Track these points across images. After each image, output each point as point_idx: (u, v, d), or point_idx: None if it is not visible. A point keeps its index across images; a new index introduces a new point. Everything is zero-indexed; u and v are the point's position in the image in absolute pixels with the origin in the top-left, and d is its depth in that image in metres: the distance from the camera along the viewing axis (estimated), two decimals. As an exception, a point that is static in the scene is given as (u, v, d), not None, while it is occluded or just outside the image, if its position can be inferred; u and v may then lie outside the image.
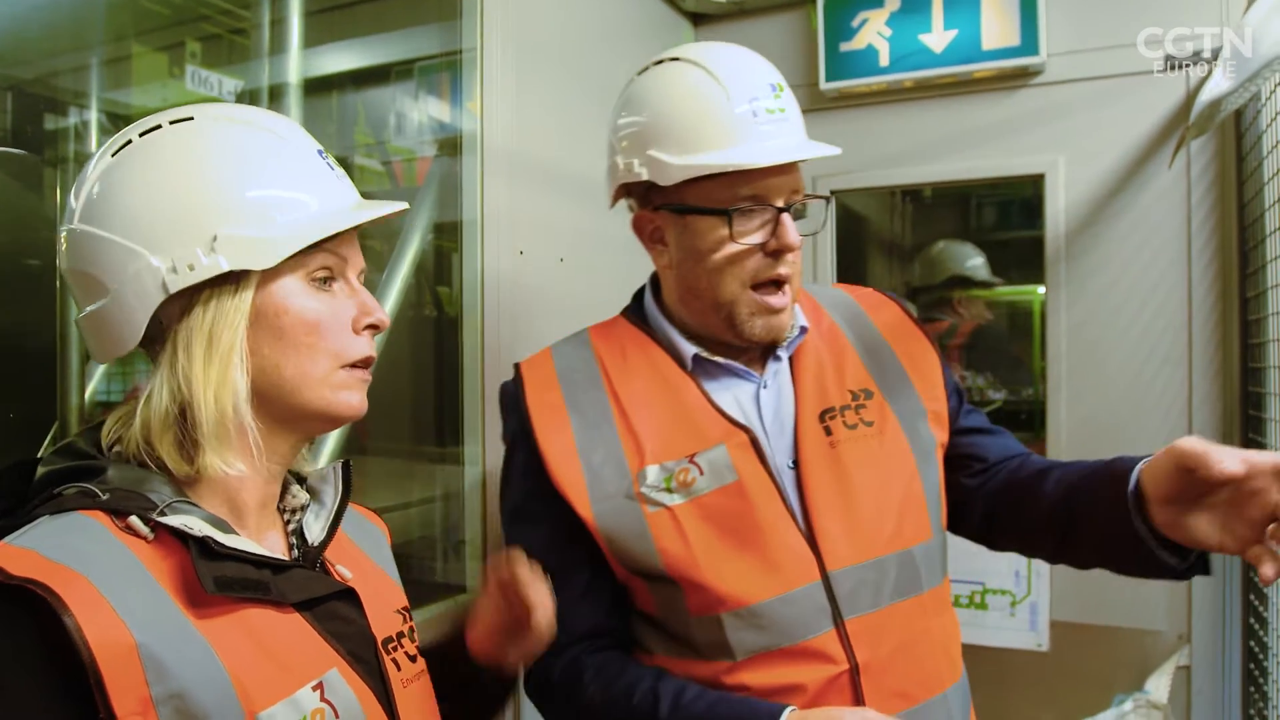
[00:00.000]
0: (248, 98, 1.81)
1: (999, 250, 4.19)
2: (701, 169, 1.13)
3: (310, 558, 0.90)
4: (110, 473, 0.80)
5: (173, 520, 0.76)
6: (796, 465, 1.16)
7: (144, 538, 0.75)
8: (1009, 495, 1.21)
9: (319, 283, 0.86)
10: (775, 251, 1.14)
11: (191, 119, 0.83)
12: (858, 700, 1.09)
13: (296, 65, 1.80)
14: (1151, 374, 2.14)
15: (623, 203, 1.29)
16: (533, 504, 1.20)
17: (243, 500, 0.86)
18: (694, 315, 1.22)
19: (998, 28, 2.21)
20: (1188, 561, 1.02)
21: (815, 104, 2.47)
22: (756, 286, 1.16)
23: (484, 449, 1.79)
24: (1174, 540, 0.99)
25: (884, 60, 2.34)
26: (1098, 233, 2.19)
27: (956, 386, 1.30)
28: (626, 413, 1.18)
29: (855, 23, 2.37)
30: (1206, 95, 1.36)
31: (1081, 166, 2.19)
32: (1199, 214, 2.10)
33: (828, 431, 1.17)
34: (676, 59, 1.21)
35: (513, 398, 1.24)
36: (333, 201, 0.86)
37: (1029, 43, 2.18)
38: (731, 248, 1.14)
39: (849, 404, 1.19)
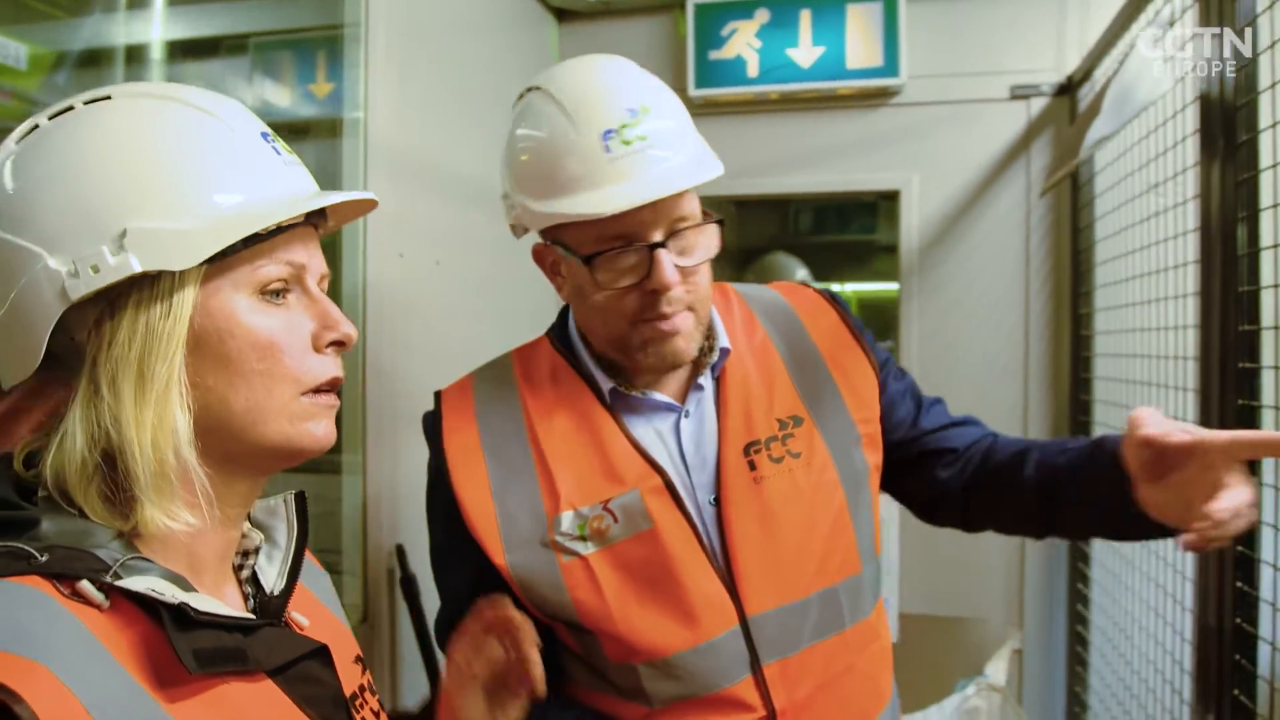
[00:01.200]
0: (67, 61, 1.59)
1: (816, 252, 4.42)
2: (555, 218, 1.04)
3: (271, 610, 0.78)
4: (45, 525, 0.65)
5: (134, 584, 0.63)
6: (718, 503, 1.10)
7: (98, 607, 0.62)
8: (987, 482, 1.18)
9: (271, 296, 0.72)
10: (654, 291, 1.05)
11: (108, 97, 0.69)
12: None
13: (137, 27, 1.60)
14: (992, 383, 2.31)
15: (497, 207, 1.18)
16: (453, 544, 1.13)
17: (201, 554, 0.73)
18: (598, 345, 1.15)
19: (862, 48, 2.31)
20: None
21: (682, 109, 2.47)
22: (646, 319, 1.07)
23: (365, 462, 1.67)
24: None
25: (752, 71, 2.38)
26: (947, 248, 2.33)
27: (911, 389, 1.26)
28: (544, 454, 1.11)
29: (725, 32, 2.39)
30: (1095, 134, 1.47)
31: (934, 185, 2.33)
32: (1036, 236, 2.29)
33: (752, 466, 1.11)
34: (536, 88, 1.09)
35: (431, 432, 1.17)
36: (277, 190, 0.73)
37: (890, 64, 2.29)
38: (604, 292, 1.06)
39: (775, 435, 1.13)
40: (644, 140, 1.02)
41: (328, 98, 1.84)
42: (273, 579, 0.80)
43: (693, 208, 1.07)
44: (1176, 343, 1.59)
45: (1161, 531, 1.01)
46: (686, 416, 1.14)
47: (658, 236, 1.04)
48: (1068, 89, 2.23)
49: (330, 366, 0.76)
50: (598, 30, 2.54)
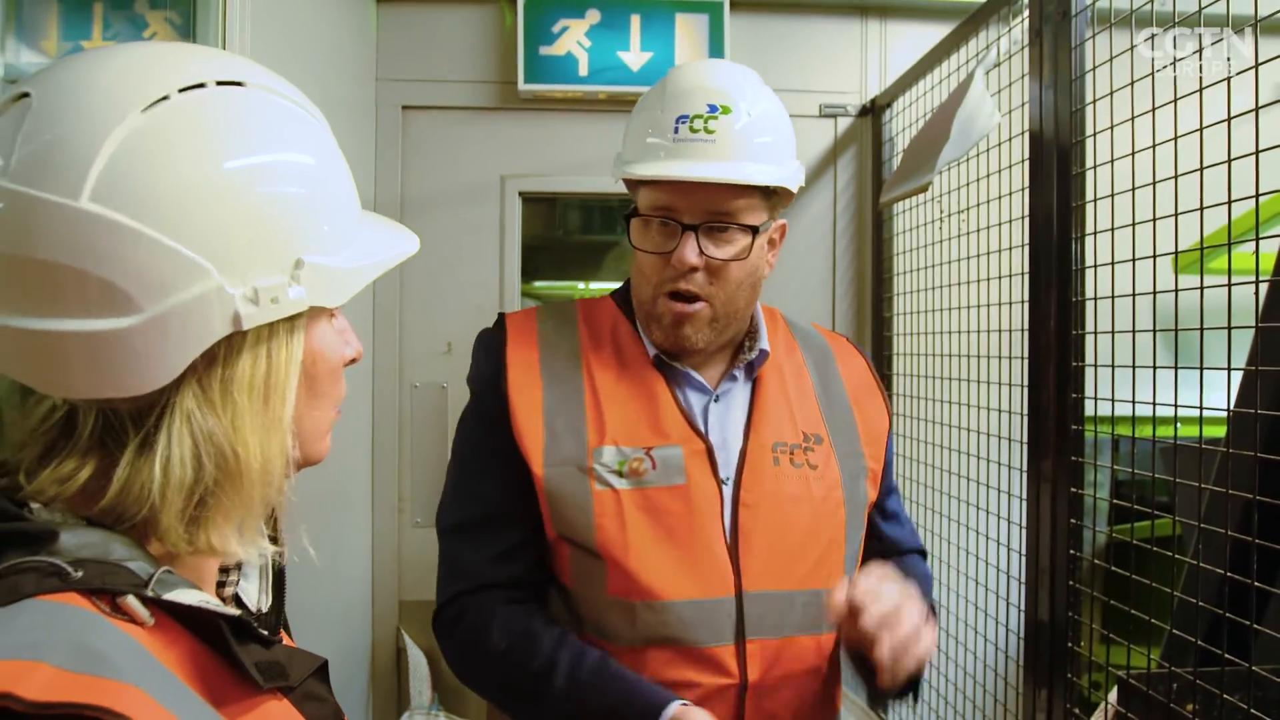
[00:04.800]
0: None
1: (582, 252, 4.53)
2: (621, 173, 1.21)
3: (267, 627, 0.73)
4: (65, 538, 0.58)
5: (183, 597, 0.59)
6: (737, 484, 1.18)
7: (142, 623, 0.57)
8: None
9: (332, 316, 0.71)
10: (676, 266, 1.16)
11: (243, 84, 0.62)
12: (738, 713, 1.15)
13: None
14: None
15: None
16: (487, 452, 1.20)
17: (204, 569, 0.68)
18: (637, 307, 1.25)
19: (689, 57, 2.40)
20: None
21: (510, 103, 2.46)
22: (672, 294, 1.18)
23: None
24: None
25: (583, 70, 2.40)
26: (763, 252, 2.49)
27: (892, 460, 1.37)
28: (597, 392, 1.20)
29: (556, 29, 2.39)
30: (945, 158, 1.65)
31: (752, 193, 2.47)
32: (842, 242, 2.50)
33: (775, 462, 1.20)
34: (675, 68, 1.25)
35: (493, 345, 1.24)
36: (360, 216, 0.71)
37: (716, 75, 2.39)
38: (642, 253, 1.20)
39: (800, 443, 1.23)
40: (710, 134, 1.15)
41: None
42: (254, 595, 0.77)
43: (740, 209, 1.16)
44: (984, 344, 1.82)
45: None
46: (716, 400, 1.23)
47: (694, 220, 1.15)
48: (870, 111, 2.46)
49: (344, 384, 0.76)
50: (417, 13, 2.45)
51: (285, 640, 0.76)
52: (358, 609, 2.40)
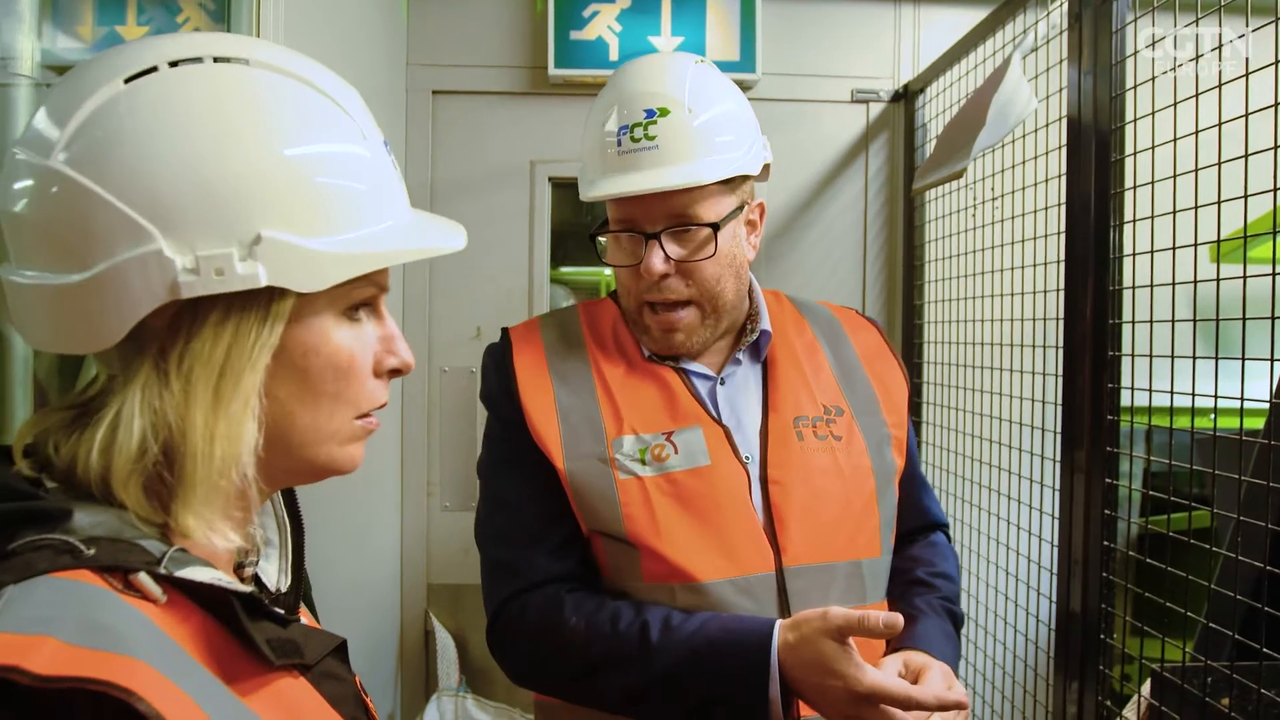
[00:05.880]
0: None
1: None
2: (582, 193, 1.18)
3: (284, 607, 0.73)
4: (79, 517, 0.58)
5: (195, 574, 0.59)
6: (763, 462, 1.18)
7: (154, 600, 0.57)
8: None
9: (351, 312, 0.68)
10: (646, 275, 1.16)
11: (246, 61, 0.61)
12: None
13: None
14: (831, 365, 2.47)
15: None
16: (514, 459, 1.21)
17: (219, 550, 0.67)
18: (625, 314, 1.26)
19: (721, 42, 2.38)
20: None
21: (540, 87, 2.45)
22: (652, 306, 1.19)
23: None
24: None
25: (614, 55, 2.40)
26: (794, 239, 2.48)
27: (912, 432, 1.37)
28: (608, 385, 1.21)
29: (586, 13, 2.39)
30: (981, 144, 1.63)
31: (782, 178, 2.46)
32: (873, 229, 2.48)
33: (799, 436, 1.20)
34: (615, 72, 1.23)
35: (500, 357, 1.25)
36: (396, 211, 0.69)
37: (747, 59, 2.38)
38: (615, 267, 1.21)
39: (821, 416, 1.23)
40: (651, 140, 1.14)
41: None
42: (274, 576, 0.77)
43: (699, 206, 1.15)
44: (1018, 332, 1.80)
45: None
46: (722, 384, 1.24)
47: (654, 228, 1.15)
48: (903, 97, 2.43)
49: (384, 392, 0.73)
50: (447, 1, 2.45)
51: (308, 621, 0.76)
52: (386, 592, 2.42)
